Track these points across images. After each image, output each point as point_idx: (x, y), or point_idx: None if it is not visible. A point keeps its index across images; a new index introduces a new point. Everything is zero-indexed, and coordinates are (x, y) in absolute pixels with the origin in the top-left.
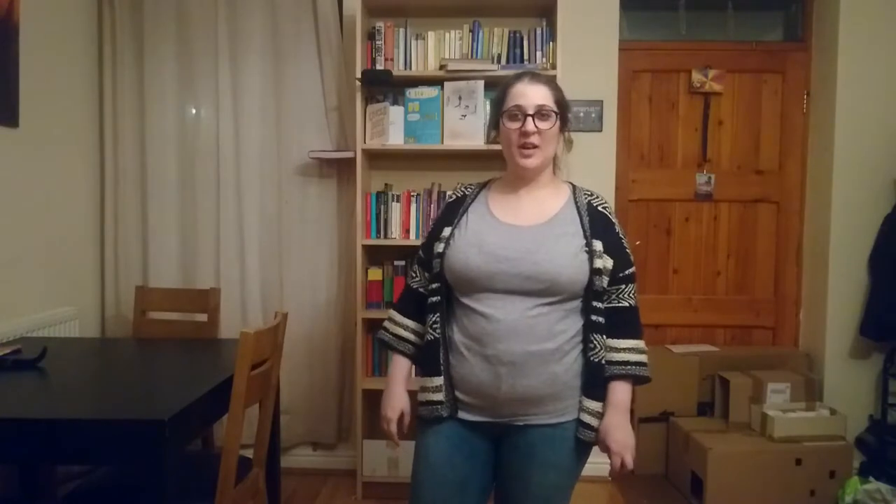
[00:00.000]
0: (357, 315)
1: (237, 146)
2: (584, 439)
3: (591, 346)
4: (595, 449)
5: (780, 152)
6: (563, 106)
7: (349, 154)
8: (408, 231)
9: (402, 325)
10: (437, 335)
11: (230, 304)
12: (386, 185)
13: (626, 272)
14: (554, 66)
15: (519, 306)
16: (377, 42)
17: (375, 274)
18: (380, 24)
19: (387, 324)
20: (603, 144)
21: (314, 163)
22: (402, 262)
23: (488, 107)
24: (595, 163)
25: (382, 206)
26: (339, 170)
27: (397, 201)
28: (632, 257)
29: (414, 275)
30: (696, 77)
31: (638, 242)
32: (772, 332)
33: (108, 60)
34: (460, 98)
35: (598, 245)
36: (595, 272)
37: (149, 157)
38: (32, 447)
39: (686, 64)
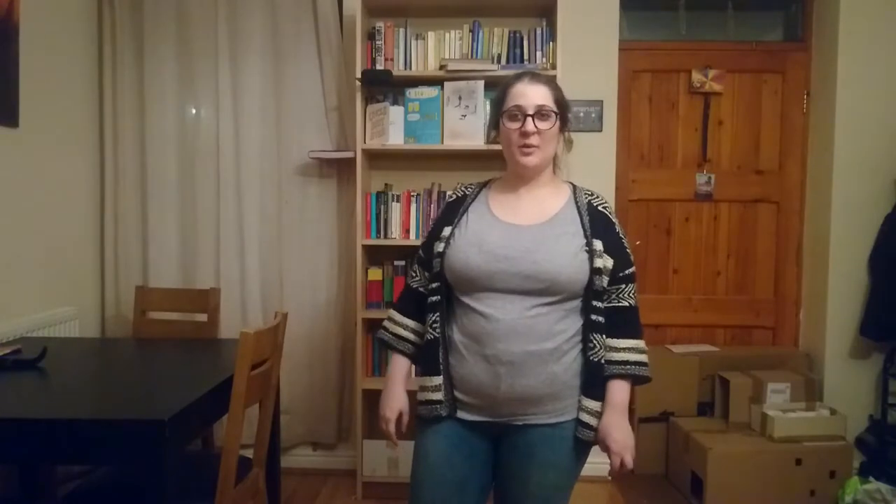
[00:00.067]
0: (357, 315)
1: (237, 146)
2: (583, 439)
3: (591, 345)
4: (595, 449)
5: (780, 152)
6: (562, 106)
7: (349, 154)
8: (408, 231)
9: (402, 325)
10: (436, 335)
11: (230, 304)
12: (386, 185)
13: (627, 272)
14: (554, 66)
15: (518, 306)
16: (377, 42)
17: (375, 274)
18: (380, 24)
19: (386, 323)
20: (603, 144)
21: (314, 163)
22: (402, 262)
23: (488, 107)
24: (595, 163)
25: (382, 206)
26: (339, 170)
27: (397, 201)
28: (632, 257)
29: (414, 274)
30: (696, 77)
31: (638, 242)
32: (772, 332)
33: (108, 60)
34: (460, 98)
35: (598, 245)
36: (595, 272)
37: (149, 157)
38: (32, 447)
39: (686, 64)
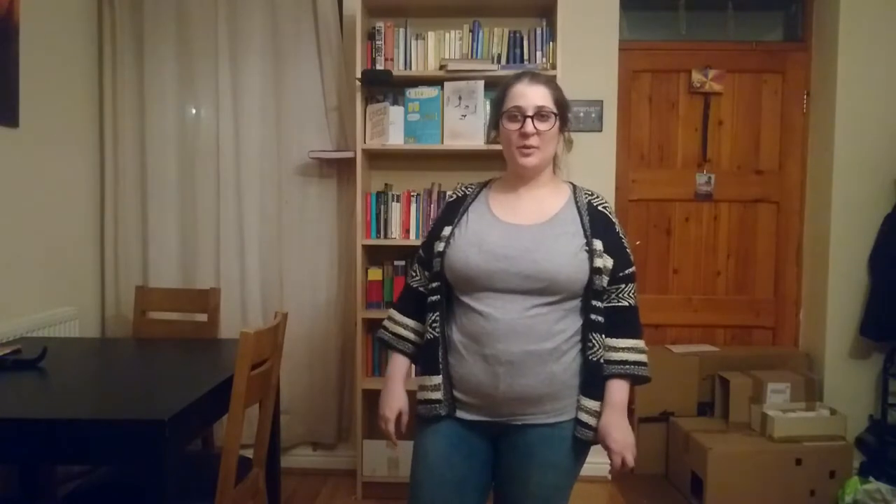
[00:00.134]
0: (357, 315)
1: (237, 146)
2: (582, 438)
3: (590, 345)
4: (595, 449)
5: (780, 152)
6: (562, 106)
7: (349, 154)
8: (408, 231)
9: (402, 324)
10: (436, 334)
11: (230, 304)
12: (386, 185)
13: (626, 272)
14: (554, 66)
15: (518, 306)
16: (377, 42)
17: (375, 274)
18: (380, 24)
19: (386, 323)
20: (603, 144)
21: (314, 163)
22: (402, 262)
23: (488, 107)
24: (595, 163)
25: (382, 206)
26: (339, 170)
27: (397, 201)
28: (632, 257)
29: (414, 274)
30: (696, 77)
31: (638, 242)
32: (772, 332)
33: (108, 60)
34: (460, 98)
35: (598, 244)
36: (595, 271)
37: (149, 157)
38: (32, 447)
39: (686, 64)
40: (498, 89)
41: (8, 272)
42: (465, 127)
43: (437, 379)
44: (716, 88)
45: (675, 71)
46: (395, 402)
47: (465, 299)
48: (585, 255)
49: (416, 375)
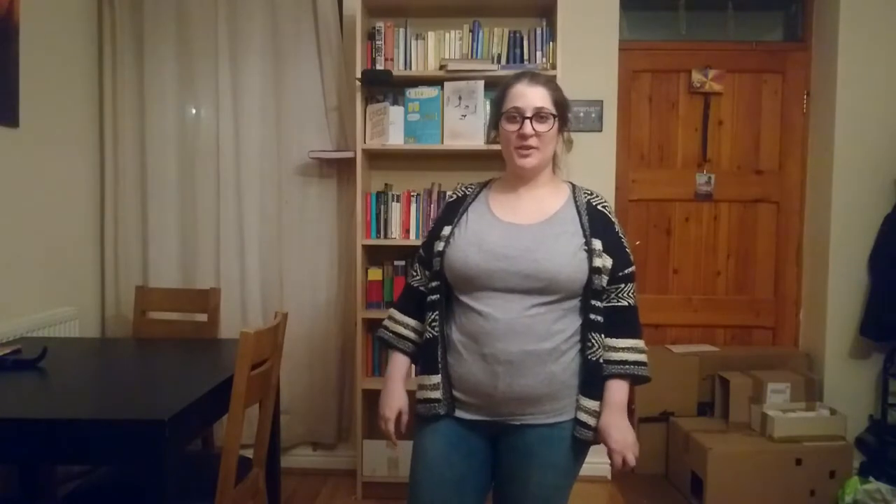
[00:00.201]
0: (357, 315)
1: (237, 146)
2: (582, 438)
3: (589, 344)
4: (595, 449)
5: (780, 152)
6: (562, 106)
7: (349, 154)
8: (408, 231)
9: (402, 324)
10: (435, 333)
11: (230, 304)
12: (386, 185)
13: (626, 271)
14: (554, 66)
15: (517, 305)
16: (377, 42)
17: (375, 274)
18: (380, 24)
19: (387, 322)
20: (603, 144)
21: (314, 163)
22: (402, 262)
23: (488, 107)
24: (595, 163)
25: (382, 206)
26: (339, 170)
27: (397, 201)
28: (631, 256)
29: (415, 273)
30: (696, 77)
31: (638, 242)
32: (772, 332)
33: (108, 60)
34: (460, 98)
35: (597, 244)
36: (594, 271)
37: (149, 157)
38: (32, 447)
39: (686, 64)
40: (498, 89)
41: (8, 272)
42: (465, 127)
43: (436, 378)
44: (716, 88)
45: (675, 71)
46: (395, 401)
47: (465, 299)
48: (584, 255)
49: (415, 375)
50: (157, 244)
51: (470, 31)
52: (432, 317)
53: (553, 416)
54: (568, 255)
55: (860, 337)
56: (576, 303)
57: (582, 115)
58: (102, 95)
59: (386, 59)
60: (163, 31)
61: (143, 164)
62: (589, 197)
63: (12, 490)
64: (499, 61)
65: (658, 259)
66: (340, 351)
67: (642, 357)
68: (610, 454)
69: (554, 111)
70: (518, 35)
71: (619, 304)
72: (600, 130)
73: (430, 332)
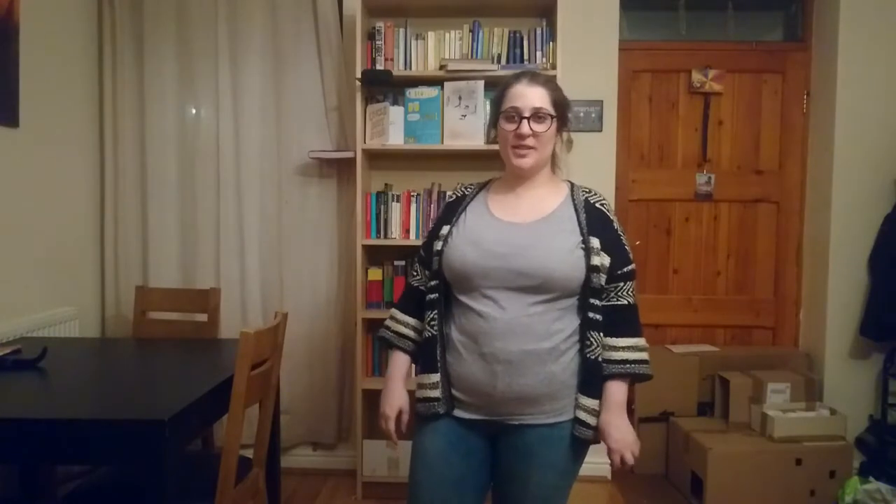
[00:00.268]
0: (357, 315)
1: (237, 146)
2: (581, 437)
3: (588, 343)
4: (594, 448)
5: (780, 152)
6: (561, 107)
7: (349, 154)
8: (408, 231)
9: (403, 323)
10: (434, 332)
11: (230, 304)
12: (386, 185)
13: (625, 270)
14: (554, 66)
15: (515, 305)
16: (377, 42)
17: (375, 274)
18: (380, 24)
19: (388, 322)
20: (603, 144)
21: (314, 163)
22: (402, 262)
23: (488, 107)
24: (595, 163)
25: (382, 206)
26: (339, 170)
27: (397, 201)
28: (631, 254)
29: (415, 273)
30: (696, 77)
31: (638, 242)
32: (772, 332)
33: (108, 60)
34: (460, 98)
35: (594, 242)
36: (592, 269)
37: (149, 157)
38: (32, 447)
39: (686, 64)
40: (498, 89)
41: (8, 272)
42: (465, 127)
43: (436, 377)
44: (716, 88)
45: (675, 71)
46: (396, 400)
47: (463, 298)
48: (581, 253)
49: (415, 374)
50: (157, 244)
51: (470, 31)
52: (431, 316)
53: (552, 416)
54: (564, 252)
55: (860, 337)
56: (574, 301)
57: (582, 115)
58: (102, 95)
59: (386, 59)
60: (163, 31)
61: (143, 164)
62: (587, 195)
63: (12, 490)
64: (499, 61)
65: (658, 259)
66: (340, 351)
67: (643, 355)
68: (609, 453)
69: (552, 112)
70: (518, 35)
71: (619, 302)
72: (600, 130)
73: (429, 331)
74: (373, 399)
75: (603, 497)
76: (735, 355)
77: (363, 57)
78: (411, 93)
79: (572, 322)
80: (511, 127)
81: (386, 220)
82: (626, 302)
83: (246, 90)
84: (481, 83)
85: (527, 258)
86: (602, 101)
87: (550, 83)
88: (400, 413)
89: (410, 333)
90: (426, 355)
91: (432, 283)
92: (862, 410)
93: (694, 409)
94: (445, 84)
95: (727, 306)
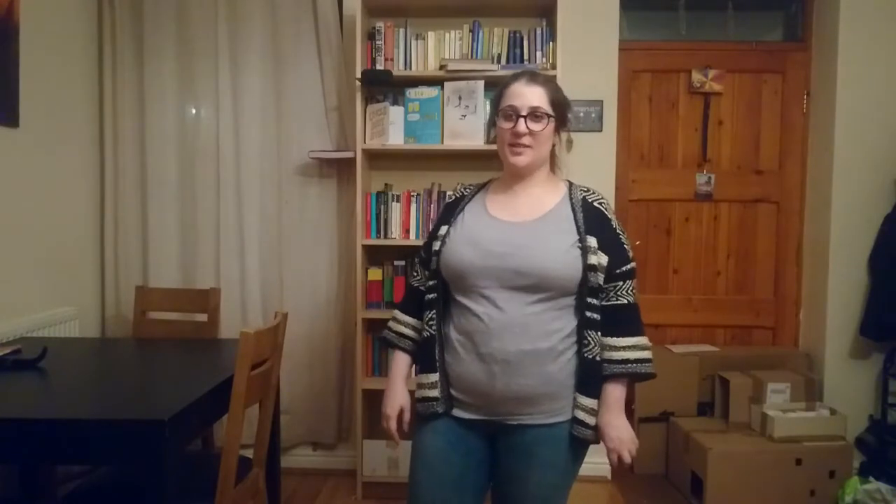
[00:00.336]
0: (357, 315)
1: (237, 146)
2: (579, 436)
3: (586, 342)
4: (594, 448)
5: (780, 152)
6: (560, 107)
7: (349, 154)
8: (408, 231)
9: (404, 323)
10: (433, 332)
11: (230, 304)
12: (386, 185)
13: (624, 269)
14: (554, 66)
15: (513, 304)
16: (377, 42)
17: (375, 274)
18: (380, 24)
19: (390, 323)
20: (603, 144)
21: (314, 163)
22: (402, 262)
23: (488, 107)
24: (595, 163)
25: (382, 206)
26: (339, 170)
27: (397, 201)
28: (630, 253)
29: (415, 274)
30: (696, 77)
31: (638, 242)
32: (772, 332)
33: (108, 60)
34: (460, 98)
35: (592, 241)
36: (589, 268)
37: (149, 157)
38: (32, 447)
39: (686, 64)
40: (497, 88)
41: (8, 272)
42: (465, 127)
43: (434, 377)
44: (716, 88)
45: (675, 71)
46: (397, 400)
47: (461, 298)
48: (578, 252)
49: (415, 374)
50: (157, 244)
51: (470, 31)
52: (430, 316)
53: (551, 415)
54: (560, 251)
55: (860, 337)
56: (572, 301)
57: (582, 115)
58: (102, 95)
59: (386, 59)
60: (163, 31)
61: (143, 164)
62: (585, 194)
63: (12, 490)
64: (499, 61)
65: (658, 259)
66: (340, 351)
67: (645, 354)
68: (607, 452)
69: (550, 111)
70: (518, 35)
71: (619, 301)
72: (600, 130)
73: (427, 330)
74: (373, 399)
75: (603, 497)
76: (735, 355)
77: (363, 57)
78: (411, 93)
79: (570, 322)
80: (508, 125)
81: (386, 220)
82: (626, 301)
83: (246, 90)
84: (481, 83)
85: (523, 257)
86: (602, 101)
87: (550, 83)
88: (401, 413)
89: (411, 334)
90: (425, 355)
91: (431, 282)
92: (862, 410)
93: (694, 409)
94: (445, 84)
95: (727, 306)
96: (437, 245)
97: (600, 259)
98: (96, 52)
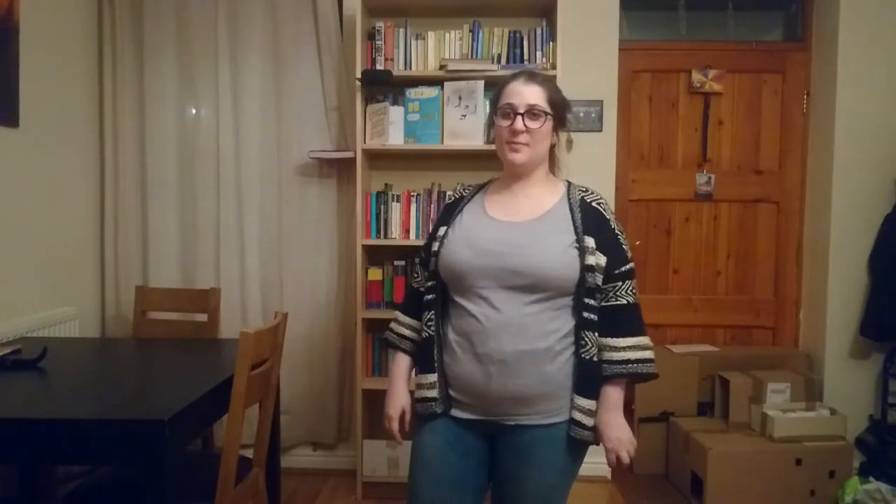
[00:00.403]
0: (357, 315)
1: (237, 146)
2: (577, 437)
3: (583, 343)
4: (593, 448)
5: (780, 152)
6: (559, 106)
7: (349, 154)
8: (408, 231)
9: (405, 324)
10: (431, 332)
11: (230, 304)
12: (386, 185)
13: (623, 269)
14: (554, 66)
15: (510, 305)
16: (377, 42)
17: (375, 274)
18: (380, 24)
19: (392, 324)
20: (603, 144)
21: (314, 163)
22: (402, 262)
23: (488, 107)
24: (595, 163)
25: (382, 206)
26: (339, 170)
27: (397, 201)
28: (629, 253)
29: (415, 275)
30: (696, 77)
31: (638, 242)
32: (772, 332)
33: (108, 60)
34: (460, 98)
35: (589, 241)
36: (587, 269)
37: (149, 157)
38: (32, 447)
39: (686, 64)
40: (496, 87)
41: (8, 272)
42: (465, 127)
43: (433, 377)
44: (716, 88)
45: (675, 71)
46: (398, 401)
47: (459, 298)
48: (575, 252)
49: (414, 375)
50: (157, 244)
51: (470, 31)
52: (428, 316)
53: (549, 416)
54: (557, 252)
55: (860, 337)
56: (569, 301)
57: (582, 115)
58: (102, 95)
59: (386, 59)
60: (163, 31)
61: (143, 164)
62: (583, 194)
63: (12, 490)
64: (499, 61)
65: (658, 259)
66: (340, 351)
67: (646, 354)
68: (605, 452)
69: (548, 110)
70: (518, 35)
71: (618, 302)
72: (600, 130)
73: (426, 331)
74: (373, 399)
75: (603, 497)
76: (735, 355)
77: (363, 57)
78: (411, 93)
79: (567, 322)
80: (506, 123)
81: (386, 220)
82: (625, 301)
83: (246, 90)
84: (481, 83)
85: (521, 257)
86: (602, 101)
87: (548, 83)
88: (403, 413)
89: (411, 334)
90: (424, 356)
91: (429, 283)
92: (862, 410)
93: (694, 409)
94: (445, 84)
95: (727, 306)
96: (435, 246)
97: (598, 259)
98: (96, 52)
